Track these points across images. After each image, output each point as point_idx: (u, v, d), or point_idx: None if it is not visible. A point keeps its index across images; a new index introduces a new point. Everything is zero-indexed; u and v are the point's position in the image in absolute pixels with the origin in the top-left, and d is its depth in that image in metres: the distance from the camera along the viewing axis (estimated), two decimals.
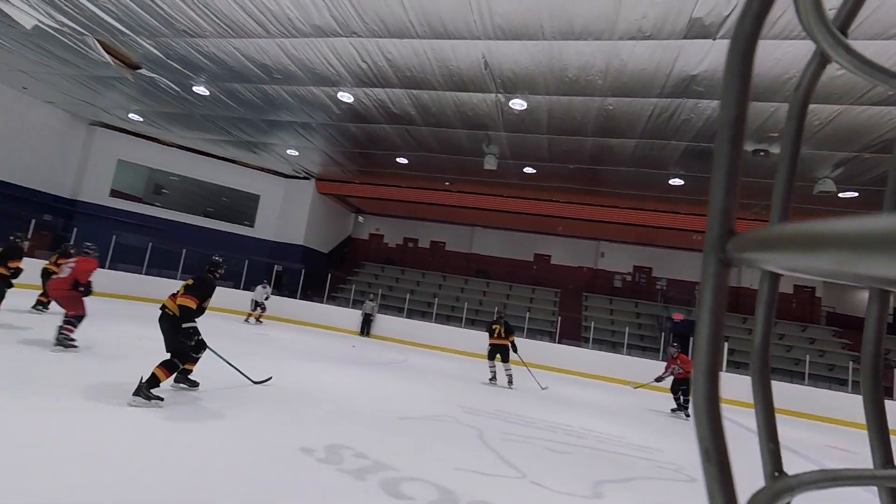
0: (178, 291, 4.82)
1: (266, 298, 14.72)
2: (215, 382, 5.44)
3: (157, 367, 4.41)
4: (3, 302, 7.10)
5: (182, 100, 13.14)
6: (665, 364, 9.68)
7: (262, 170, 19.90)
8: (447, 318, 18.37)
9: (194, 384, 5.09)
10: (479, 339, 15.00)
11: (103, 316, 9.54)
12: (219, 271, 5.35)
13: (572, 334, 18.03)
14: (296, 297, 17.96)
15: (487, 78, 9.16)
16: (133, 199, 18.38)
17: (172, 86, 12.22)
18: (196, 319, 4.77)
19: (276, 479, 3.05)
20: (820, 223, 0.22)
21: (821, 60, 0.37)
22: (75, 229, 14.77)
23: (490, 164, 13.17)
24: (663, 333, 16.75)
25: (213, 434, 3.76)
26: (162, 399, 4.29)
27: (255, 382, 5.79)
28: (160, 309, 4.79)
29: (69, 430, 3.34)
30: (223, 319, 13.61)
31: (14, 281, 7.30)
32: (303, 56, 9.48)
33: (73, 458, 2.89)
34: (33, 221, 13.84)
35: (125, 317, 10.59)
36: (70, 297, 6.10)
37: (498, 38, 7.80)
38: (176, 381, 4.99)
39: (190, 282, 4.87)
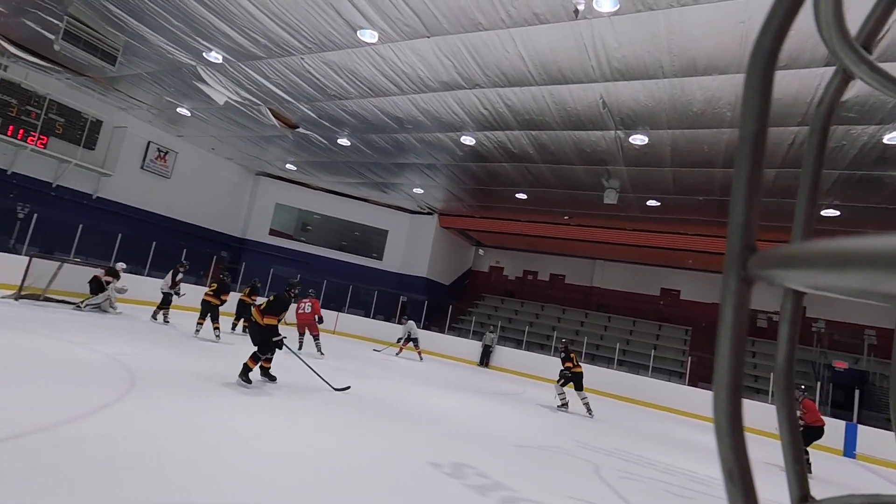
0: (261, 305, 6.30)
1: (411, 333, 14.77)
2: (356, 403, 6.23)
3: (248, 359, 5.94)
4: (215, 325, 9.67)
5: (328, 150, 15.17)
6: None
7: (390, 207, 21.75)
8: None
9: (273, 378, 6.37)
10: (600, 375, 14.55)
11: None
12: (293, 291, 7.06)
13: (707, 377, 16.53)
14: (418, 327, 19.09)
15: (606, 116, 9.31)
16: (286, 236, 21.27)
17: (321, 139, 14.22)
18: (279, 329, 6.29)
19: (412, 487, 3.55)
20: (845, 241, 0.21)
21: (843, 77, 0.38)
22: (244, 263, 17.56)
23: (610, 198, 13.04)
24: (820, 383, 14.61)
25: (358, 446, 4.43)
26: (250, 382, 5.83)
27: (336, 389, 6.64)
28: (251, 317, 6.43)
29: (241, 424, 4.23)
30: (353, 344, 15.01)
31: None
32: (430, 108, 10.54)
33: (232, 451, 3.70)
34: (214, 258, 16.80)
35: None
36: (314, 324, 10.55)
37: (616, 80, 8.00)
38: (261, 374, 6.34)
39: (272, 298, 6.32)
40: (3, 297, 9.40)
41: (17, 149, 12.77)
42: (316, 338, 10.51)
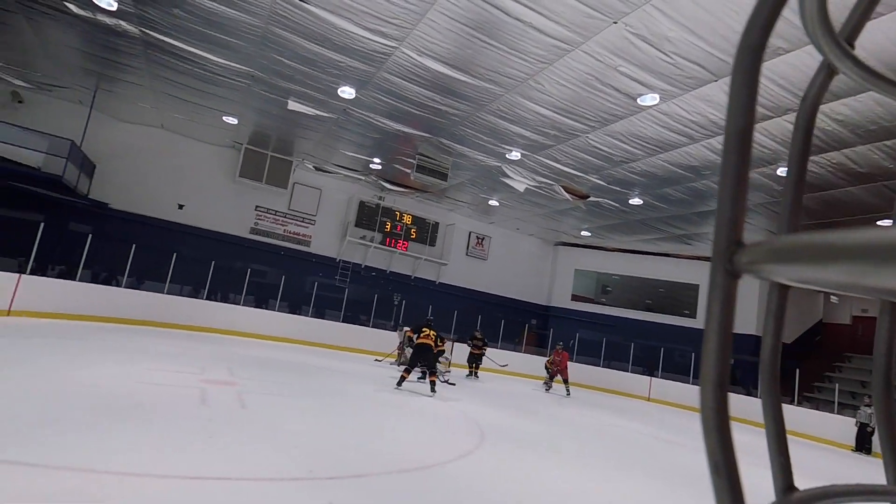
0: (432, 338, 8.76)
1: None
2: (677, 479, 5.79)
3: (430, 378, 8.68)
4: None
5: (620, 212, 15.30)
6: None
7: (698, 258, 19.78)
8: None
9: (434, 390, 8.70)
10: None
11: (584, 405, 11.58)
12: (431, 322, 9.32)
13: None
14: (755, 396, 16.08)
15: None
16: (587, 300, 21.80)
17: (613, 203, 14.51)
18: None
19: None
20: (831, 234, 0.22)
21: (828, 72, 0.38)
22: (551, 329, 18.78)
23: None
24: None
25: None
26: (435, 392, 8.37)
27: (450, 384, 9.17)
28: (422, 344, 8.67)
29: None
30: (668, 412, 13.71)
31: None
32: None
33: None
34: (526, 325, 18.61)
35: (591, 404, 12.45)
36: (566, 370, 13.38)
37: None
38: (432, 389, 8.66)
39: (434, 333, 8.87)
40: (398, 365, 12.74)
41: (392, 254, 17.62)
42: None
